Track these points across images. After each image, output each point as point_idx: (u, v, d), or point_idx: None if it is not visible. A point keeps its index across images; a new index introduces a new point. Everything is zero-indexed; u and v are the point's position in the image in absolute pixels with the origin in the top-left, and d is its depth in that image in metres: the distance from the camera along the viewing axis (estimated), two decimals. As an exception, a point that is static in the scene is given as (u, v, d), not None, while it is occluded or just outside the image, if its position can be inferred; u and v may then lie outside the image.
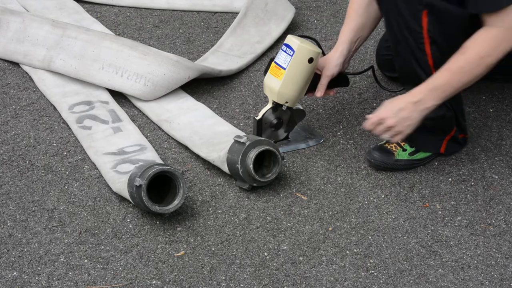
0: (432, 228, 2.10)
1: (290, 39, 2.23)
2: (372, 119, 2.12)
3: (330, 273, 1.96)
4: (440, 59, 2.09)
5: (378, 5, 2.20)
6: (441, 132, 2.27)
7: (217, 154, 2.25)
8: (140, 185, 2.01)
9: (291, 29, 3.02)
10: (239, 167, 2.15)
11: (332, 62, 2.30)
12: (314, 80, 2.31)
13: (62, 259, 1.99)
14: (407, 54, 2.13)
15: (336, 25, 3.07)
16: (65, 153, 2.38)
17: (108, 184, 2.22)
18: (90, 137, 2.41)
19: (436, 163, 2.32)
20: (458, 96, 2.21)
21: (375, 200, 2.19)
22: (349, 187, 2.24)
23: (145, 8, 3.23)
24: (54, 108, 2.58)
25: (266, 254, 2.01)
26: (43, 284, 1.92)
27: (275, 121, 2.33)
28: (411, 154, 2.28)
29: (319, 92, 2.32)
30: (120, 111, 2.54)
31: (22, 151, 2.39)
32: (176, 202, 2.06)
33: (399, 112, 2.08)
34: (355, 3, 2.29)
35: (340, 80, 2.37)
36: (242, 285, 1.92)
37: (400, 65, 2.22)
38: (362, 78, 2.68)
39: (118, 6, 3.24)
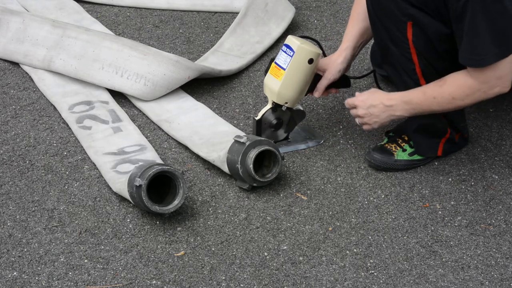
0: (432, 228, 2.10)
1: (290, 40, 2.23)
2: (348, 101, 2.27)
3: (330, 273, 1.96)
4: (428, 68, 2.12)
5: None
6: (436, 136, 2.27)
7: (217, 154, 2.25)
8: (140, 185, 2.01)
9: (291, 29, 3.02)
10: (239, 167, 2.15)
11: (335, 67, 2.31)
12: (314, 81, 2.31)
13: (62, 259, 1.99)
14: (395, 64, 2.15)
15: (336, 25, 3.07)
16: (65, 153, 2.38)
17: (108, 184, 2.22)
18: (90, 137, 2.41)
19: (436, 163, 2.32)
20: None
21: (375, 200, 2.19)
22: (349, 187, 2.24)
23: (145, 8, 3.23)
24: (54, 108, 2.58)
25: (266, 254, 2.01)
26: (43, 284, 1.92)
27: (274, 122, 2.33)
28: (410, 154, 2.28)
29: (317, 92, 2.33)
30: (120, 111, 2.54)
31: (22, 151, 2.39)
32: (176, 202, 2.06)
33: (370, 108, 2.19)
34: (359, 7, 2.28)
35: (341, 82, 2.37)
36: (242, 285, 1.92)
37: (390, 72, 2.25)
38: (362, 79, 2.68)
39: (118, 6, 3.24)
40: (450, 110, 2.13)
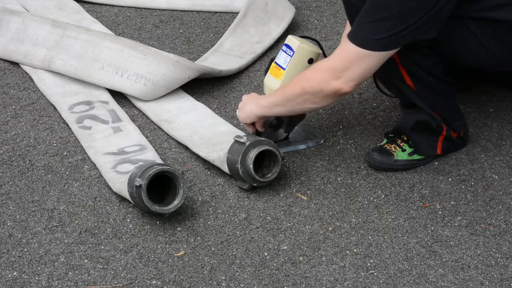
0: (432, 228, 2.10)
1: (290, 40, 2.23)
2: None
3: (330, 273, 1.96)
4: (411, 66, 2.12)
5: None
6: (433, 134, 2.27)
7: (217, 154, 2.25)
8: (140, 185, 2.01)
9: (291, 29, 3.02)
10: (239, 167, 2.15)
11: None
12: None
13: (62, 259, 1.99)
14: (381, 67, 2.13)
15: (336, 25, 3.07)
16: (65, 153, 2.38)
17: (108, 184, 2.23)
18: (90, 137, 2.41)
19: (436, 163, 2.32)
20: (440, 102, 2.22)
21: (375, 200, 2.19)
22: (349, 187, 2.24)
23: (145, 8, 3.23)
24: (54, 108, 2.58)
25: (266, 254, 2.01)
26: (43, 284, 1.92)
27: (274, 121, 2.33)
28: (410, 154, 2.28)
29: None
30: (120, 111, 2.54)
31: (22, 151, 2.39)
32: (176, 202, 2.06)
33: (245, 99, 2.27)
34: None
35: None
36: (242, 285, 1.92)
37: (378, 76, 2.30)
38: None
39: (118, 6, 3.24)
40: (303, 110, 2.17)
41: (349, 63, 2.02)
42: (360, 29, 1.99)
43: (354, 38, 2.00)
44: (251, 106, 2.24)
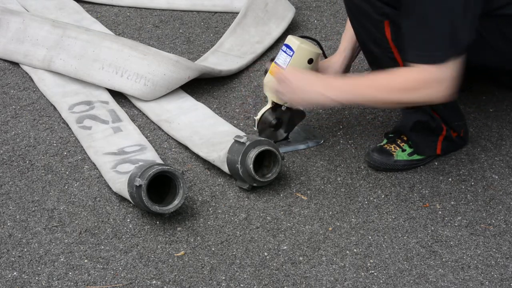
0: (432, 228, 2.10)
1: (290, 40, 2.23)
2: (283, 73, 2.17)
3: (330, 273, 1.96)
4: None
5: None
6: (433, 133, 2.27)
7: (217, 154, 2.25)
8: (140, 185, 2.01)
9: (291, 29, 3.02)
10: (239, 167, 2.15)
11: (335, 69, 2.31)
12: (315, 81, 2.31)
13: (62, 259, 1.99)
14: (382, 66, 2.13)
15: (336, 25, 3.07)
16: (65, 153, 2.38)
17: (108, 184, 2.23)
18: (90, 137, 2.41)
19: (436, 163, 2.32)
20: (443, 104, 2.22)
21: (375, 200, 2.19)
22: (349, 187, 2.24)
23: (145, 8, 3.23)
24: (54, 108, 2.58)
25: (266, 254, 2.01)
26: (43, 284, 1.92)
27: (274, 121, 2.33)
28: (410, 154, 2.28)
29: None
30: (120, 111, 2.54)
31: (22, 151, 2.39)
32: (176, 202, 2.06)
33: (302, 79, 2.12)
34: None
35: None
36: (242, 285, 1.92)
37: None
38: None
39: (118, 6, 3.24)
40: (383, 106, 2.09)
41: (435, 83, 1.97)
42: (425, 48, 1.95)
43: (426, 59, 1.95)
44: (310, 95, 2.10)
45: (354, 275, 1.95)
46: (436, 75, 1.95)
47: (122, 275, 1.95)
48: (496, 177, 2.27)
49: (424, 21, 1.92)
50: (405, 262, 1.99)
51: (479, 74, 2.60)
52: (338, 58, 2.32)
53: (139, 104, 2.58)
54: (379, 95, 2.04)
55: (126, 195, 2.11)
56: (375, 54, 2.14)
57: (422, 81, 1.97)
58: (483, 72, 2.58)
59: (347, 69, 2.34)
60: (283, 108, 2.32)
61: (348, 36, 2.32)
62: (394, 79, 2.02)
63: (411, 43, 1.96)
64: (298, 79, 2.14)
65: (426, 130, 2.25)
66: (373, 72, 2.16)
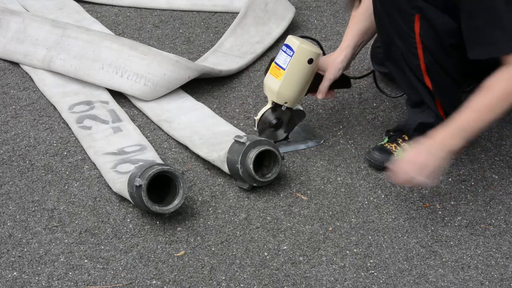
0: (432, 228, 2.10)
1: (290, 40, 2.23)
2: (399, 165, 2.01)
3: (330, 273, 1.96)
4: (432, 65, 2.09)
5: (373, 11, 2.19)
6: None
7: (217, 154, 2.25)
8: (140, 185, 2.01)
9: (291, 29, 3.02)
10: (239, 167, 2.15)
11: (336, 66, 2.30)
12: (315, 80, 2.31)
13: (62, 259, 1.99)
14: (399, 60, 2.12)
15: (336, 25, 3.07)
16: (65, 153, 2.38)
17: (108, 184, 2.23)
18: (90, 137, 2.41)
19: (436, 163, 2.32)
20: (450, 102, 2.21)
21: (375, 200, 2.19)
22: (349, 187, 2.24)
23: (145, 8, 3.23)
24: (54, 108, 2.58)
25: (266, 254, 2.01)
26: (43, 284, 1.92)
27: (274, 121, 2.33)
28: (411, 154, 2.27)
29: (320, 94, 2.32)
30: (120, 111, 2.54)
31: (22, 151, 2.39)
32: (176, 202, 2.06)
33: (428, 150, 2.01)
34: (360, 6, 2.28)
35: (342, 82, 2.37)
36: (242, 285, 1.92)
37: (392, 69, 2.22)
38: (362, 79, 2.68)
39: (118, 6, 3.24)
40: (505, 112, 2.00)
41: None
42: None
43: None
44: (435, 160, 1.99)
45: (354, 275, 1.95)
46: None
47: (122, 275, 1.95)
48: (496, 177, 2.27)
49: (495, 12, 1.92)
50: (405, 262, 1.99)
51: (483, 76, 2.59)
52: (339, 55, 2.31)
53: (139, 104, 2.58)
54: (495, 111, 1.99)
55: (126, 195, 2.11)
56: (397, 48, 2.12)
57: None
58: (488, 73, 2.57)
59: (346, 67, 2.34)
60: (283, 108, 2.32)
61: (350, 34, 2.31)
62: (499, 89, 1.98)
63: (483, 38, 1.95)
64: (417, 158, 2.02)
65: (430, 132, 2.25)
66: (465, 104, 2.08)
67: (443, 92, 2.17)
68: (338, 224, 2.11)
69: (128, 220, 2.12)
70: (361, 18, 2.28)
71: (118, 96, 2.62)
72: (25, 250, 2.02)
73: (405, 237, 2.07)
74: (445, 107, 2.21)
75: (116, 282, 1.93)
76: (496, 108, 1.99)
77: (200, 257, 2.00)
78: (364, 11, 2.26)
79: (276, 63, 2.26)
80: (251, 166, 2.14)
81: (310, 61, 2.23)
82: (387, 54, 2.20)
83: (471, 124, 1.99)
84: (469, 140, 2.01)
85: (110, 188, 2.21)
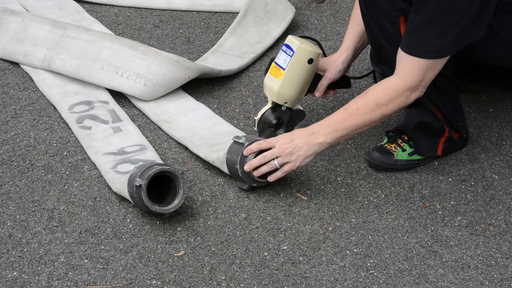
0: (432, 228, 2.10)
1: (290, 40, 2.23)
2: (262, 144, 2.12)
3: (330, 273, 1.96)
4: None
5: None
6: (435, 135, 2.27)
7: (217, 154, 2.25)
8: (140, 185, 2.01)
9: (291, 29, 3.02)
10: (238, 167, 2.15)
11: (336, 67, 2.30)
12: (315, 80, 2.31)
13: (62, 259, 1.99)
14: (390, 62, 2.13)
15: (336, 25, 3.07)
16: (65, 153, 2.38)
17: (108, 184, 2.23)
18: (90, 137, 2.41)
19: (436, 163, 2.32)
20: (446, 101, 2.21)
21: (375, 200, 2.19)
22: (349, 187, 2.24)
23: (145, 8, 3.23)
24: (54, 108, 2.58)
25: (266, 254, 2.01)
26: (43, 284, 1.92)
27: (274, 121, 2.33)
28: (410, 154, 2.28)
29: (318, 92, 2.33)
30: (120, 111, 2.54)
31: (22, 151, 2.39)
32: (176, 202, 2.06)
33: (293, 140, 2.09)
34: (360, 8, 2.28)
35: (342, 82, 2.37)
36: (242, 285, 1.92)
37: (385, 71, 2.23)
38: (362, 79, 2.68)
39: (118, 6, 3.24)
40: (376, 122, 2.08)
41: (423, 74, 2.02)
42: (423, 41, 1.98)
43: (419, 51, 1.98)
44: (308, 148, 2.09)
45: (354, 275, 1.95)
46: (411, 78, 2.02)
47: (122, 275, 1.95)
48: (496, 177, 2.27)
49: (434, 15, 1.93)
50: (405, 262, 1.99)
51: (480, 74, 2.60)
52: (339, 56, 2.31)
53: (139, 104, 2.58)
54: (363, 120, 2.06)
55: (126, 195, 2.11)
56: (386, 50, 2.13)
57: (398, 88, 2.03)
58: (484, 72, 2.57)
59: (347, 68, 2.34)
60: (283, 108, 2.32)
61: (351, 36, 2.32)
62: (372, 96, 2.05)
63: (408, 33, 1.98)
64: (294, 142, 2.11)
65: (429, 131, 2.25)
66: (362, 95, 2.14)
67: (438, 92, 2.17)
68: (338, 224, 2.11)
69: (128, 220, 2.12)
70: (361, 20, 2.28)
71: (118, 96, 2.62)
72: (25, 250, 2.02)
73: (405, 237, 2.07)
74: (441, 107, 2.21)
75: (116, 282, 1.93)
76: (364, 114, 2.05)
77: (200, 257, 2.00)
78: None
79: (276, 63, 2.26)
80: (251, 166, 2.14)
81: (310, 61, 2.23)
82: (379, 56, 2.21)
83: (339, 123, 2.07)
84: (338, 139, 2.09)
85: (110, 188, 2.21)
